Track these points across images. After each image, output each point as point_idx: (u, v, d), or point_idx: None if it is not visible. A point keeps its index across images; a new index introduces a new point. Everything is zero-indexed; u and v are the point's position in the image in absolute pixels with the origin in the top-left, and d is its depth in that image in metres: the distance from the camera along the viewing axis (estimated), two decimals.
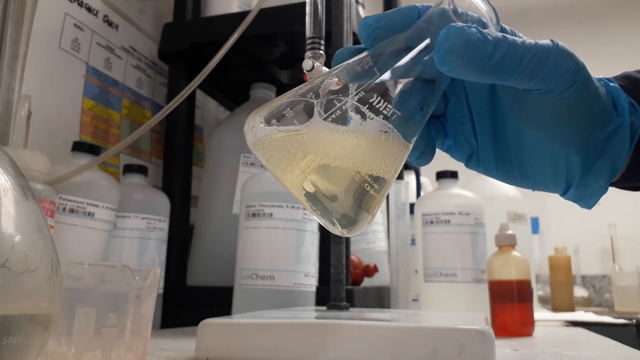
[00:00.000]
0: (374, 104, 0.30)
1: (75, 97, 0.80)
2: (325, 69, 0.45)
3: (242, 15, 0.73)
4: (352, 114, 0.30)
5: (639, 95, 0.34)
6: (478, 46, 0.29)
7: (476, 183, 1.14)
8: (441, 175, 0.76)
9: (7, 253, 0.22)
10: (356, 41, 0.73)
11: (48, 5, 0.75)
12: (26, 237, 0.24)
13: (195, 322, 0.41)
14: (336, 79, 0.31)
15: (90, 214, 0.61)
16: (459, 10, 0.32)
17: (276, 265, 0.62)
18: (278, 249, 0.62)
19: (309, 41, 0.46)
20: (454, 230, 0.70)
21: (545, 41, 0.30)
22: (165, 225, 0.74)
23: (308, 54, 0.46)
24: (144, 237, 0.70)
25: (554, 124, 0.32)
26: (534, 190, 0.37)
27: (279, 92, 0.97)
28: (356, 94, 0.30)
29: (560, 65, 0.30)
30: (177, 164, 0.87)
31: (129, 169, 0.74)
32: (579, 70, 0.31)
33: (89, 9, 0.84)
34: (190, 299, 0.80)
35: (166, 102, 0.97)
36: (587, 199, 0.35)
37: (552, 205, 2.26)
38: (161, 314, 0.75)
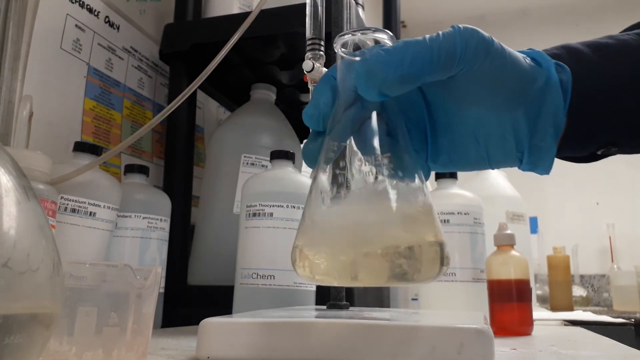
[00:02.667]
0: (377, 165, 0.33)
1: (77, 97, 0.80)
2: (325, 70, 0.45)
3: (243, 16, 0.74)
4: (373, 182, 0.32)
5: (572, 61, 0.36)
6: (386, 59, 0.31)
7: (475, 183, 1.14)
8: (440, 175, 0.76)
9: (8, 253, 0.22)
10: (356, 43, 0.72)
11: (49, 6, 0.75)
12: (28, 236, 0.24)
13: (196, 321, 0.41)
14: (326, 172, 0.34)
15: (92, 214, 0.61)
16: (358, 48, 0.35)
17: (276, 265, 0.62)
18: (278, 248, 0.62)
19: (309, 42, 0.47)
20: (453, 229, 0.70)
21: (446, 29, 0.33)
22: (166, 225, 0.74)
23: (308, 54, 0.46)
24: (145, 236, 0.70)
25: (488, 93, 0.34)
26: (492, 168, 0.39)
27: (280, 93, 0.98)
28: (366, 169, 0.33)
29: (469, 39, 0.32)
30: (178, 164, 0.87)
31: (130, 169, 0.74)
32: (488, 40, 0.33)
33: (90, 10, 0.84)
34: (191, 298, 0.80)
35: (167, 102, 0.98)
36: (542, 163, 0.36)
37: (551, 205, 2.26)
38: (162, 313, 0.75)
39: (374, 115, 0.34)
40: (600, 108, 0.36)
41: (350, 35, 0.35)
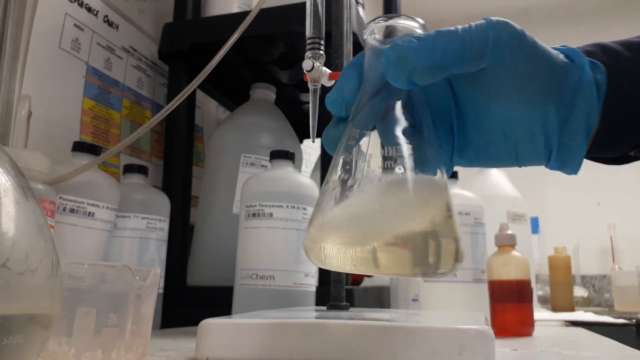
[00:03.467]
0: (392, 156, 0.32)
1: (76, 97, 0.80)
2: (325, 69, 0.45)
3: (242, 15, 0.73)
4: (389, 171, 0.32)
5: (606, 59, 0.35)
6: (418, 46, 0.31)
7: (476, 183, 1.14)
8: None
9: (7, 253, 0.22)
10: (356, 42, 0.72)
11: (48, 6, 0.75)
12: (26, 237, 0.24)
13: (195, 322, 0.41)
14: (346, 159, 0.33)
15: (91, 214, 0.61)
16: (389, 35, 0.34)
17: (276, 265, 0.62)
18: (278, 248, 0.62)
19: (308, 41, 0.46)
20: None
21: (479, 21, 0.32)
22: (165, 225, 0.74)
23: (308, 54, 0.45)
24: (144, 237, 0.70)
25: (519, 88, 0.33)
26: (519, 166, 0.37)
27: (279, 92, 0.98)
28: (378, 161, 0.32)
29: (502, 32, 0.32)
30: (177, 164, 0.87)
31: (129, 169, 0.74)
32: (520, 32, 0.32)
33: (89, 9, 0.84)
34: (190, 298, 0.80)
35: (166, 102, 0.97)
36: (571, 162, 0.35)
37: (552, 205, 2.26)
38: (161, 314, 0.75)
39: (399, 105, 0.33)
40: (636, 107, 0.35)
41: (380, 21, 0.34)
